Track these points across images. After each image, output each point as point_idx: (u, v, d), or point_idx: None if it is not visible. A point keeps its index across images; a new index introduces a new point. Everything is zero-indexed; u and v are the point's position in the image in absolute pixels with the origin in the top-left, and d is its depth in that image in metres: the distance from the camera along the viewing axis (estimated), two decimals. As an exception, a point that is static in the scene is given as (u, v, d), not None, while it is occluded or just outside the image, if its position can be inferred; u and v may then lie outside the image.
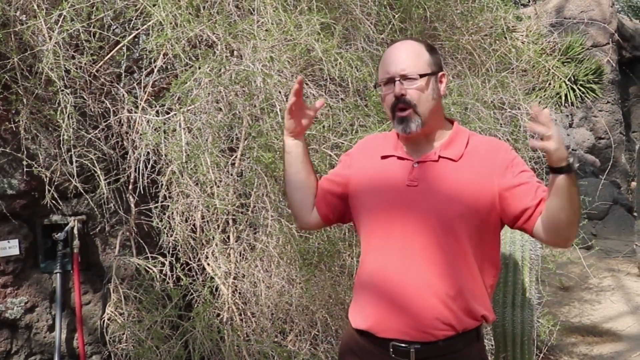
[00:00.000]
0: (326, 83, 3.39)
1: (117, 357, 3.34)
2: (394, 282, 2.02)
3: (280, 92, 3.10)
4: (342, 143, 3.15)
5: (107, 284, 3.48)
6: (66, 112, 3.10)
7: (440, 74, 2.10)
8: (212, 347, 3.27)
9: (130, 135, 3.32)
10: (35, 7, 3.11)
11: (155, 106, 3.23)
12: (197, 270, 3.33)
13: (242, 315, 3.31)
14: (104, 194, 3.32)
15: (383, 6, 3.63)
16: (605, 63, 9.83)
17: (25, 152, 3.27)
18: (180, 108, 3.11)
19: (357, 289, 2.16)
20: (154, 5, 3.11)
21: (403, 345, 2.00)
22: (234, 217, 3.29)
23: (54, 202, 3.29)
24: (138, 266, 3.41)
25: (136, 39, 3.49)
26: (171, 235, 3.25)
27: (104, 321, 3.41)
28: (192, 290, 3.33)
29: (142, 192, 3.31)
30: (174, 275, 3.35)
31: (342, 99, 3.37)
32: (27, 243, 3.39)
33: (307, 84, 3.29)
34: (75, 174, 3.26)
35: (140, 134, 3.20)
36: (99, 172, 3.28)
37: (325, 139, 3.19)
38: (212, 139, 3.14)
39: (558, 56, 5.62)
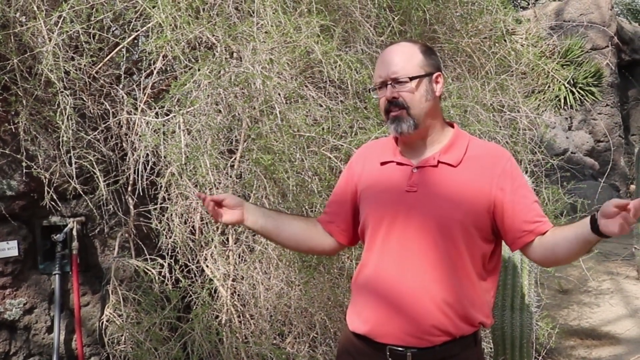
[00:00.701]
0: (325, 85, 3.39)
1: (116, 359, 3.34)
2: (391, 286, 2.02)
3: (279, 95, 3.10)
4: (342, 145, 3.15)
5: (106, 286, 3.48)
6: (65, 114, 3.10)
7: (435, 74, 2.09)
8: (211, 349, 3.26)
9: (129, 136, 3.32)
10: (35, 8, 3.11)
11: (155, 108, 3.23)
12: (196, 272, 3.33)
13: (241, 317, 3.31)
14: (103, 195, 3.32)
15: (382, 8, 3.63)
16: (604, 66, 9.85)
17: (24, 154, 3.27)
18: (180, 110, 3.11)
19: (355, 291, 2.16)
20: (154, 7, 3.11)
21: (400, 349, 2.00)
22: (233, 219, 3.29)
23: (53, 203, 3.29)
24: (137, 268, 3.41)
25: (136, 41, 3.49)
26: (170, 237, 3.25)
27: (102, 322, 3.41)
28: (190, 292, 3.33)
29: (141, 194, 3.31)
30: (173, 277, 3.35)
31: (341, 101, 3.37)
32: (26, 244, 3.39)
33: (306, 86, 3.29)
34: (74, 176, 3.26)
35: (140, 136, 3.20)
36: (98, 174, 3.27)
37: (325, 141, 3.19)
38: (212, 140, 3.14)
39: (557, 59, 5.63)
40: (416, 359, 1.99)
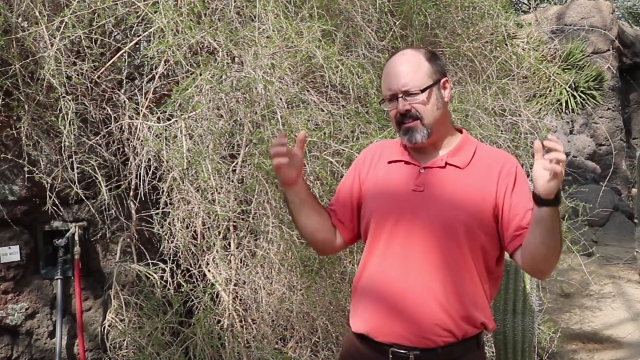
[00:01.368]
0: (327, 90, 3.40)
1: (118, 364, 3.34)
2: (394, 286, 2.02)
3: (281, 99, 3.10)
4: (343, 150, 3.15)
5: (108, 290, 3.48)
6: (67, 119, 3.11)
7: (443, 80, 2.09)
8: (213, 353, 3.26)
9: (131, 141, 3.32)
10: (37, 13, 3.12)
11: (157, 113, 3.23)
12: (197, 277, 3.33)
13: (243, 321, 3.31)
14: (105, 200, 3.32)
15: (384, 13, 3.63)
16: (605, 70, 9.84)
17: (26, 159, 3.27)
18: (182, 115, 3.12)
19: (357, 292, 2.15)
20: (155, 12, 3.11)
21: (402, 351, 2.00)
22: (234, 223, 3.30)
23: (55, 208, 3.30)
24: (139, 272, 3.41)
25: (137, 46, 3.50)
26: (172, 242, 3.25)
27: (104, 327, 3.41)
28: (192, 297, 3.33)
29: (143, 199, 3.31)
30: (175, 282, 3.35)
31: (343, 105, 3.37)
32: (28, 249, 3.40)
33: (308, 91, 3.29)
34: (76, 180, 3.26)
35: (142, 141, 3.20)
36: (100, 179, 3.28)
37: (327, 145, 3.19)
38: (213, 145, 3.15)
39: (559, 63, 5.63)
40: (419, 361, 1.99)
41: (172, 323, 3.34)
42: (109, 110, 3.38)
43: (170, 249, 3.27)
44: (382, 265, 2.05)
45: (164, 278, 3.35)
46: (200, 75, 3.10)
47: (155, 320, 3.33)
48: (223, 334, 3.24)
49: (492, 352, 3.26)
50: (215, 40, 3.20)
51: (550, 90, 4.96)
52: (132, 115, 3.31)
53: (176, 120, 3.14)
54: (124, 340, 3.33)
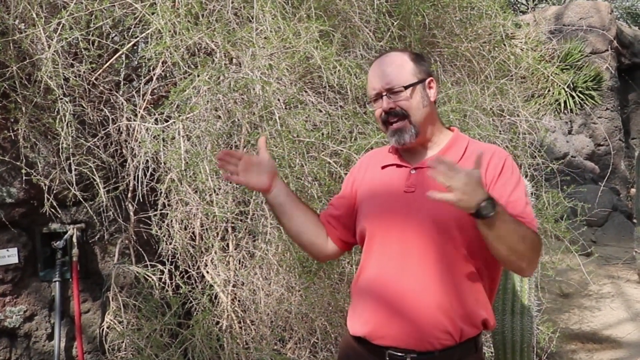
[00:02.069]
0: (325, 90, 3.40)
1: (116, 366, 3.34)
2: (392, 288, 2.02)
3: (279, 100, 3.10)
4: (341, 150, 3.15)
5: (106, 292, 3.47)
6: (65, 121, 3.11)
7: (428, 80, 2.11)
8: (212, 355, 3.26)
9: (129, 143, 3.32)
10: (34, 15, 3.11)
11: (154, 114, 3.23)
12: (196, 278, 3.33)
13: (242, 323, 3.31)
14: (103, 202, 3.32)
15: (382, 14, 3.64)
16: (604, 70, 9.84)
17: (24, 161, 3.27)
18: (179, 116, 3.12)
19: (355, 294, 2.15)
20: (153, 14, 3.11)
21: (399, 353, 2.00)
22: (233, 224, 3.29)
23: (53, 210, 3.29)
24: (137, 274, 3.41)
25: (135, 47, 3.50)
26: (170, 243, 3.25)
27: (103, 329, 3.41)
28: (191, 298, 3.33)
29: (141, 200, 3.31)
30: (173, 283, 3.35)
31: (340, 106, 3.38)
32: (26, 251, 3.39)
33: (306, 92, 3.29)
34: (74, 182, 3.26)
35: (139, 142, 3.20)
36: (98, 180, 3.27)
37: (324, 146, 3.19)
38: (211, 146, 3.15)
39: (557, 63, 5.63)
40: (415, 364, 1.99)
41: (170, 324, 3.34)
42: (107, 112, 3.38)
43: (168, 250, 3.27)
44: (380, 267, 2.06)
45: (163, 280, 3.35)
46: (198, 76, 3.09)
47: (154, 321, 3.33)
48: (222, 335, 3.24)
49: (491, 352, 3.26)
50: (212, 41, 3.20)
51: (548, 91, 4.97)
52: (130, 117, 3.31)
53: (174, 122, 3.14)
54: (122, 342, 3.33)
